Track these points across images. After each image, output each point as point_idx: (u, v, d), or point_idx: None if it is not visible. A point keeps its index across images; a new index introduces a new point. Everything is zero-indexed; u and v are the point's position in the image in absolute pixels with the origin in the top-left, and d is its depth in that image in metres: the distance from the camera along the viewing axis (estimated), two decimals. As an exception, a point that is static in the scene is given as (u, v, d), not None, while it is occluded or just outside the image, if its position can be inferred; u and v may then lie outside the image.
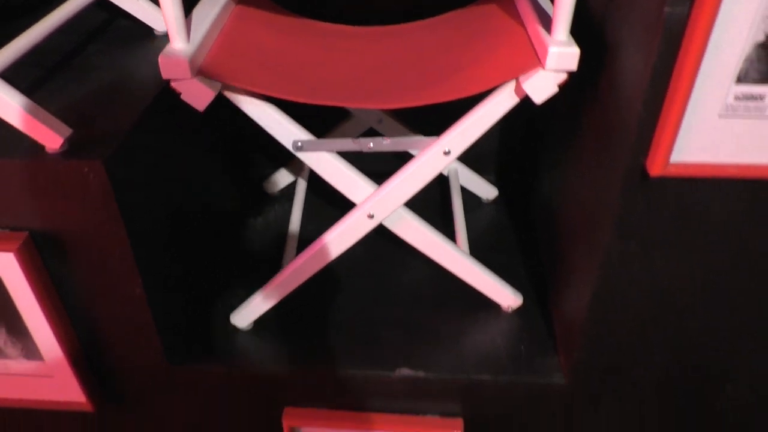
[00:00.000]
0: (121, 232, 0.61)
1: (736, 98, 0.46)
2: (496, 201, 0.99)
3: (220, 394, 0.76)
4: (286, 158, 0.99)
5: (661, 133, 0.48)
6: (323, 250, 0.71)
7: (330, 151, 0.67)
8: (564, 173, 0.74)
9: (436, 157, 0.65)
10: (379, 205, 0.69)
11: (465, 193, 0.97)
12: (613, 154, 0.55)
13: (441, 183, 0.97)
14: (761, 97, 0.45)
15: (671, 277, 0.59)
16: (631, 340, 0.65)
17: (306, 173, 0.97)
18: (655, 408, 0.72)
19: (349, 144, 0.68)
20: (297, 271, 0.73)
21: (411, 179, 0.67)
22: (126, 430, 0.82)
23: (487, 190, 0.98)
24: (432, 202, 0.95)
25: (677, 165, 0.49)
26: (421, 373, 0.73)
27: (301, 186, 0.94)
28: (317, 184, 0.97)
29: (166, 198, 0.72)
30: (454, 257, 0.74)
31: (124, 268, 0.64)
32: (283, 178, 1.00)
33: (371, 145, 0.68)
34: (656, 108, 0.47)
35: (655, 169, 0.50)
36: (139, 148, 0.63)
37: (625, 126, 0.51)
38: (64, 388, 0.77)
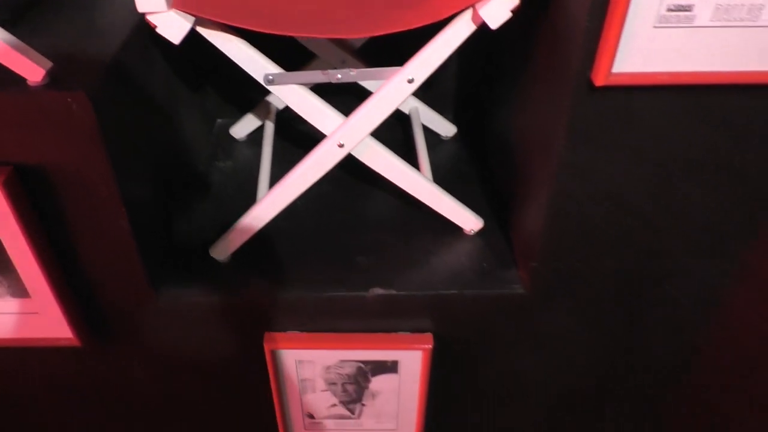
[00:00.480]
0: (105, 163, 0.64)
1: (669, 9, 0.52)
2: (455, 138, 1.05)
3: (202, 323, 0.80)
4: (251, 105, 1.02)
5: (603, 46, 0.54)
6: (297, 180, 0.75)
7: (300, 83, 0.71)
8: (519, 98, 0.80)
9: (400, 85, 0.70)
10: (348, 134, 0.73)
11: (426, 131, 1.02)
12: (562, 69, 0.61)
13: (403, 122, 1.02)
14: (689, 8, 0.52)
15: (617, 182, 0.66)
16: (583, 246, 0.72)
17: (273, 116, 1.00)
18: (606, 308, 0.80)
19: (318, 76, 0.72)
20: (272, 201, 0.77)
21: (378, 107, 0.71)
22: (113, 363, 0.85)
23: (446, 128, 1.04)
24: (395, 141, 1.00)
25: (619, 75, 0.55)
26: (392, 292, 0.78)
27: (269, 129, 0.98)
28: (284, 129, 1.01)
29: (147, 132, 0.75)
30: (418, 183, 0.80)
31: (109, 199, 0.67)
32: (249, 123, 1.03)
33: (339, 76, 0.73)
34: (599, 22, 0.53)
35: (599, 79, 0.56)
36: (120, 81, 0.65)
37: (573, 41, 0.57)
38: (51, 325, 0.79)
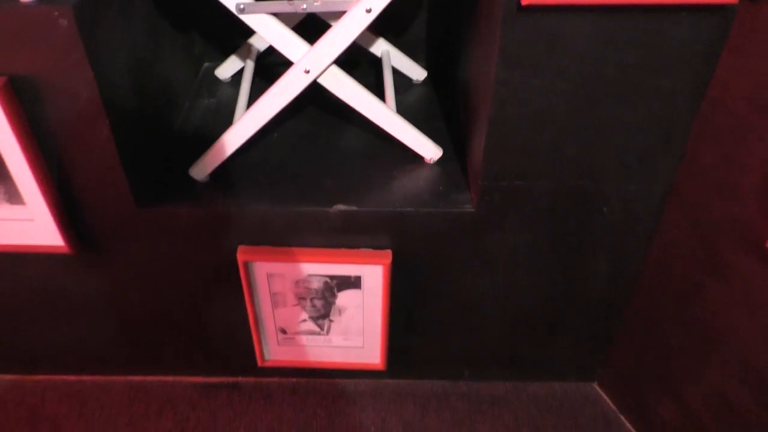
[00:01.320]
0: (88, 75, 0.72)
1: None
2: (425, 82, 1.12)
3: (182, 235, 0.89)
4: (234, 47, 1.10)
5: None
6: (267, 104, 0.83)
7: (269, 12, 0.78)
8: (473, 38, 0.88)
9: (359, 14, 0.78)
10: (313, 61, 0.81)
11: (398, 75, 1.09)
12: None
13: (376, 66, 1.09)
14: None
15: (547, 101, 0.73)
16: (522, 166, 0.80)
17: (254, 56, 1.08)
18: (547, 228, 0.87)
19: (285, 6, 0.80)
20: (245, 124, 0.85)
21: (339, 35, 0.79)
22: (100, 271, 0.94)
23: (417, 72, 1.11)
24: (368, 84, 1.07)
25: (542, -5, 0.63)
26: (354, 208, 0.86)
27: (249, 67, 1.05)
28: (264, 71, 1.09)
29: (134, 60, 0.83)
30: (381, 112, 0.87)
31: (93, 109, 0.75)
32: (233, 64, 1.11)
33: (304, 6, 0.80)
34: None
35: (525, -1, 0.63)
36: (106, 4, 0.73)
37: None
38: (44, 232, 0.88)
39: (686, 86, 0.72)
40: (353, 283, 0.93)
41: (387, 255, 0.89)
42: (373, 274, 0.91)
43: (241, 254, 0.89)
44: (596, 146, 0.77)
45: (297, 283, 0.93)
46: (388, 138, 0.90)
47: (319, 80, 0.83)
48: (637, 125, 0.74)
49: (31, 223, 0.86)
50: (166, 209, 0.86)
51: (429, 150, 0.92)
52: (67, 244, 0.88)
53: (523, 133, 0.76)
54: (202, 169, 0.89)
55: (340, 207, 0.85)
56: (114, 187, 0.82)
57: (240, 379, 1.11)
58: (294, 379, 1.11)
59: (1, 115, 0.74)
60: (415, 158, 0.93)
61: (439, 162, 0.93)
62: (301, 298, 0.96)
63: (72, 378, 1.12)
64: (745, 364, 0.79)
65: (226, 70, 1.10)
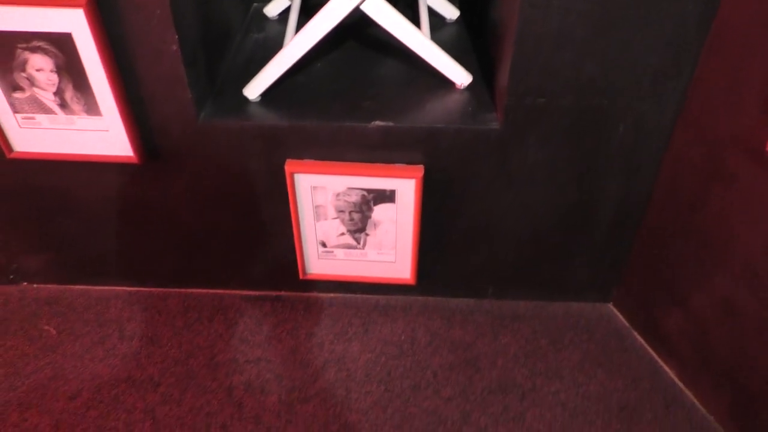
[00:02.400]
0: (162, -8, 0.83)
1: None
2: (458, 21, 1.22)
3: (236, 148, 0.99)
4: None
5: None
6: (315, 27, 0.93)
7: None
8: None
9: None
10: (357, -13, 0.90)
11: (431, 14, 1.18)
12: None
13: (411, 6, 1.18)
14: None
15: (569, 21, 0.81)
16: (545, 84, 0.88)
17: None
18: (567, 144, 0.96)
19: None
20: (294, 46, 0.95)
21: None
22: (163, 182, 1.05)
23: (450, 11, 1.20)
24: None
25: None
26: (391, 123, 0.96)
27: (296, 2, 1.16)
28: (309, 8, 1.18)
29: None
30: (417, 38, 0.97)
31: (165, 26, 0.86)
32: (280, 3, 1.21)
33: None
34: None
35: None
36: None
37: None
38: (117, 143, 1.00)
39: (696, 8, 0.80)
40: (388, 197, 1.03)
41: (419, 169, 0.99)
42: (407, 188, 1.01)
43: (289, 167, 1.00)
44: (613, 66, 0.85)
45: (337, 195, 1.04)
46: (422, 67, 1.00)
47: (362, 7, 0.92)
48: (650, 46, 0.83)
49: (105, 134, 0.98)
50: (223, 124, 0.97)
51: (460, 75, 1.01)
52: (136, 155, 1.00)
53: (545, 53, 0.85)
54: (255, 89, 1.00)
55: (378, 123, 0.95)
56: (179, 101, 0.94)
57: (283, 292, 1.23)
58: (331, 294, 1.22)
59: (87, 31, 0.86)
60: (447, 84, 1.02)
61: (469, 88, 1.02)
62: (340, 211, 1.06)
63: (132, 289, 1.25)
64: (748, 269, 0.88)
65: (273, 8, 1.21)
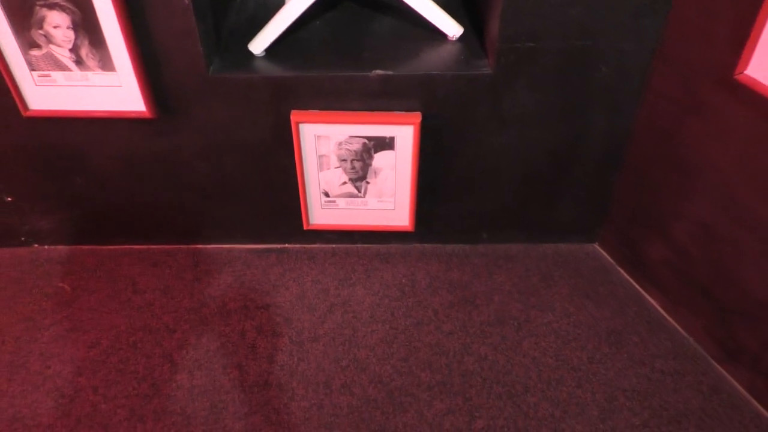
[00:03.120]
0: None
1: None
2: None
3: (244, 100, 1.05)
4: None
5: None
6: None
7: None
8: None
9: None
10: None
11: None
12: None
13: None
14: None
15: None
16: (534, 28, 0.95)
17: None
18: (554, 86, 1.03)
19: None
20: (296, 1, 1.01)
21: None
22: (174, 135, 1.10)
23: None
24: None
25: None
26: (390, 72, 1.03)
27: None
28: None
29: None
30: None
31: (177, -21, 0.92)
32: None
33: None
34: None
35: None
36: None
37: None
38: (130, 98, 1.04)
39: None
40: (388, 144, 1.10)
41: (417, 116, 1.06)
42: (405, 135, 1.08)
43: (294, 117, 1.06)
44: (596, 7, 0.93)
45: (340, 144, 1.10)
46: (415, 21, 1.06)
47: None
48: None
49: (119, 90, 1.03)
50: (232, 76, 1.03)
51: (452, 27, 1.09)
52: (148, 109, 1.05)
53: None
54: (260, 44, 1.06)
55: (378, 72, 1.02)
56: (190, 55, 0.99)
57: (287, 245, 1.30)
58: (334, 245, 1.29)
59: (102, -16, 0.90)
60: (440, 36, 1.09)
61: (460, 39, 1.10)
62: (342, 160, 1.13)
63: (142, 247, 1.30)
64: (723, 193, 0.96)
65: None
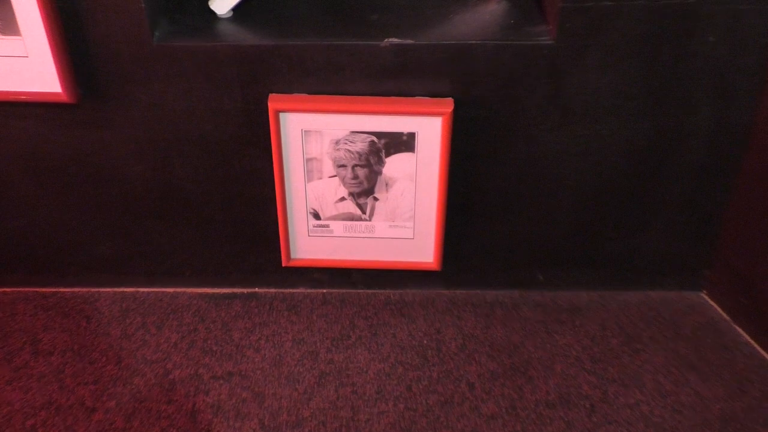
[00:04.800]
0: None
1: None
2: None
3: (200, 77, 1.07)
4: None
5: None
6: None
7: None
8: None
9: None
10: None
11: None
12: None
13: None
14: None
15: None
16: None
17: None
18: (638, 64, 1.05)
19: None
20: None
21: None
22: (104, 128, 1.12)
23: None
24: None
25: None
26: (409, 41, 1.05)
27: None
28: None
29: None
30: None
31: None
32: None
33: None
34: None
35: None
36: None
37: None
38: (40, 74, 1.05)
39: None
40: (405, 142, 1.12)
41: (448, 104, 1.08)
42: (431, 130, 1.11)
43: (273, 103, 1.09)
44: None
45: (337, 144, 1.13)
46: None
47: None
48: None
49: (25, 62, 1.04)
50: (185, 45, 1.05)
51: (496, -20, 1.11)
52: (66, 91, 1.06)
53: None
54: (225, 1, 1.09)
55: (393, 40, 1.04)
56: (127, 14, 1.02)
57: (258, 289, 1.32)
58: (325, 290, 1.31)
59: None
60: (479, -6, 1.11)
61: (508, -2, 1.11)
62: (340, 166, 1.15)
63: (47, 290, 1.32)
64: None
65: None
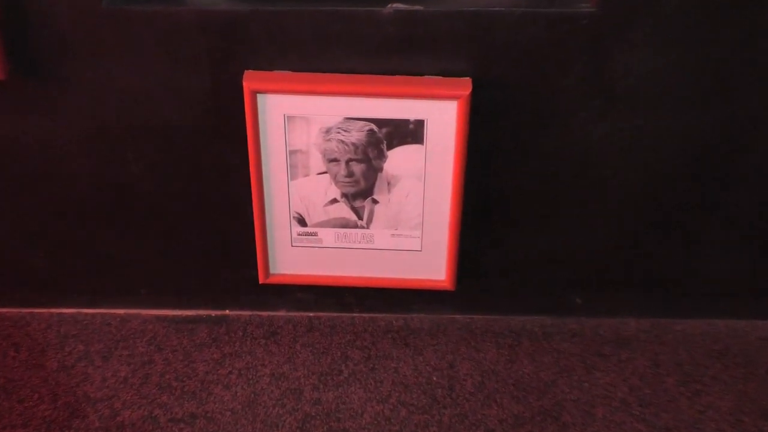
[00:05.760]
0: None
1: None
2: None
3: (161, 51, 1.08)
4: None
5: None
6: None
7: None
8: None
9: None
10: None
11: None
12: None
13: None
14: None
15: None
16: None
17: None
18: (703, 30, 1.05)
19: None
20: None
21: None
22: (41, 109, 1.13)
23: None
24: None
25: None
26: (417, 7, 1.05)
27: None
28: None
29: None
30: None
31: None
32: None
33: None
34: None
35: None
36: None
37: None
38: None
39: None
40: (412, 132, 1.13)
41: (465, 85, 1.09)
42: (444, 117, 1.11)
43: (249, 81, 1.09)
44: None
45: (328, 133, 1.13)
46: None
47: None
48: None
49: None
50: (141, 10, 1.06)
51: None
52: (-5, 66, 1.05)
53: None
54: (192, -45, 1.09)
55: (398, 6, 1.05)
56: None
57: (228, 312, 1.32)
58: (312, 313, 1.31)
59: None
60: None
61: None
62: (331, 160, 1.16)
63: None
64: None
65: None
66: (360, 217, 1.21)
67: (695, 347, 1.28)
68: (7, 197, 1.20)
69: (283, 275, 1.27)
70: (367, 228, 1.22)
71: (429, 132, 1.13)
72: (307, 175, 1.18)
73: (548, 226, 1.22)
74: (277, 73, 1.11)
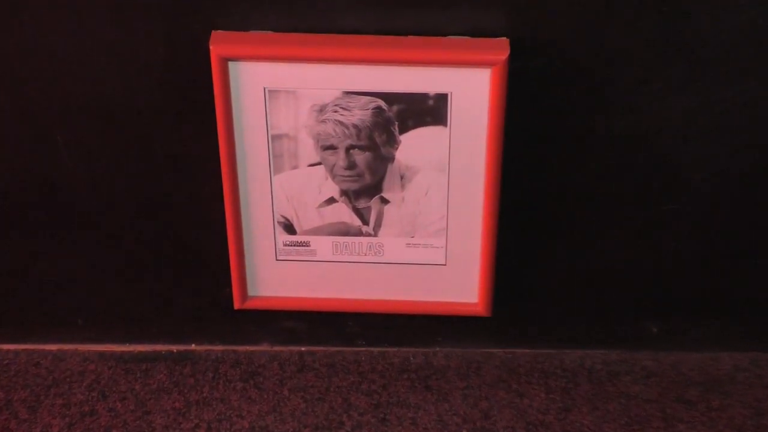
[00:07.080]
0: None
1: None
2: None
3: (106, 4, 1.09)
4: None
5: None
6: None
7: None
8: None
9: None
10: None
11: None
12: None
13: None
14: None
15: None
16: None
17: None
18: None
19: None
20: None
21: None
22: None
23: None
24: None
25: None
26: (439, -55, 1.05)
27: None
28: None
29: None
30: None
31: None
32: None
33: None
34: None
35: None
36: None
37: None
38: None
39: None
40: (432, 110, 1.14)
41: (500, 47, 1.10)
42: (473, 90, 1.12)
43: (217, 46, 1.10)
44: None
45: (321, 111, 1.14)
46: None
47: None
48: None
49: None
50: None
51: None
52: None
53: None
54: None
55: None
56: None
57: (195, 346, 1.34)
58: (303, 347, 1.33)
59: None
60: None
61: None
62: (327, 148, 1.17)
63: None
64: None
65: None
66: (365, 222, 1.22)
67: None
68: None
69: (266, 298, 1.28)
70: (375, 235, 1.23)
71: (454, 110, 1.14)
72: (295, 167, 1.19)
73: (611, 234, 1.22)
74: (254, 33, 1.12)
